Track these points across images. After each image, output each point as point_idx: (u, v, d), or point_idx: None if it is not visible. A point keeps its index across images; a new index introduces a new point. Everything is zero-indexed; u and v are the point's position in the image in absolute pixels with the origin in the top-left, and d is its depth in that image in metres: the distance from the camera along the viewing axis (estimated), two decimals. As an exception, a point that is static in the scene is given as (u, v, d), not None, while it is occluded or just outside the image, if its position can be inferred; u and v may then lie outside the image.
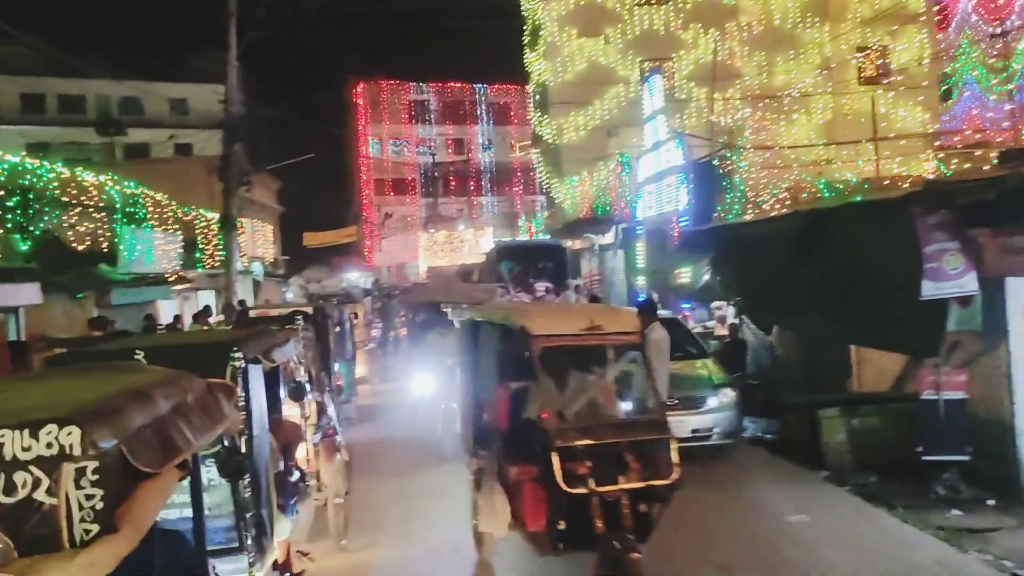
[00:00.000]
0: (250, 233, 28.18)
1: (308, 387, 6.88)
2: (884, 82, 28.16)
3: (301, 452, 6.19)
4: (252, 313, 12.95)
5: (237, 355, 3.83)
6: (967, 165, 21.14)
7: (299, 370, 6.41)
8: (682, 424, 8.85)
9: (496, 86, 60.03)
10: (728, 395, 9.31)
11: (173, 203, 20.35)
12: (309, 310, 12.64)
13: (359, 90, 58.00)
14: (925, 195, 7.79)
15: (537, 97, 33.33)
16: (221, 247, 21.52)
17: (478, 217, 58.72)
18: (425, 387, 12.99)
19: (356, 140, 59.37)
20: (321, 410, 7.10)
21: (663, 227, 21.10)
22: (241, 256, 27.88)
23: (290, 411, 6.24)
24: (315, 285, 28.07)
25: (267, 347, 4.60)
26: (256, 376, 4.32)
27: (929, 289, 7.78)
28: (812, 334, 10.59)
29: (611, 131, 28.66)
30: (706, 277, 13.38)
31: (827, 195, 18.72)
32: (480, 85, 60.25)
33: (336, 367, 14.37)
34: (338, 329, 14.72)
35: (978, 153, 21.84)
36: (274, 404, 5.40)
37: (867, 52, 28.36)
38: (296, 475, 5.60)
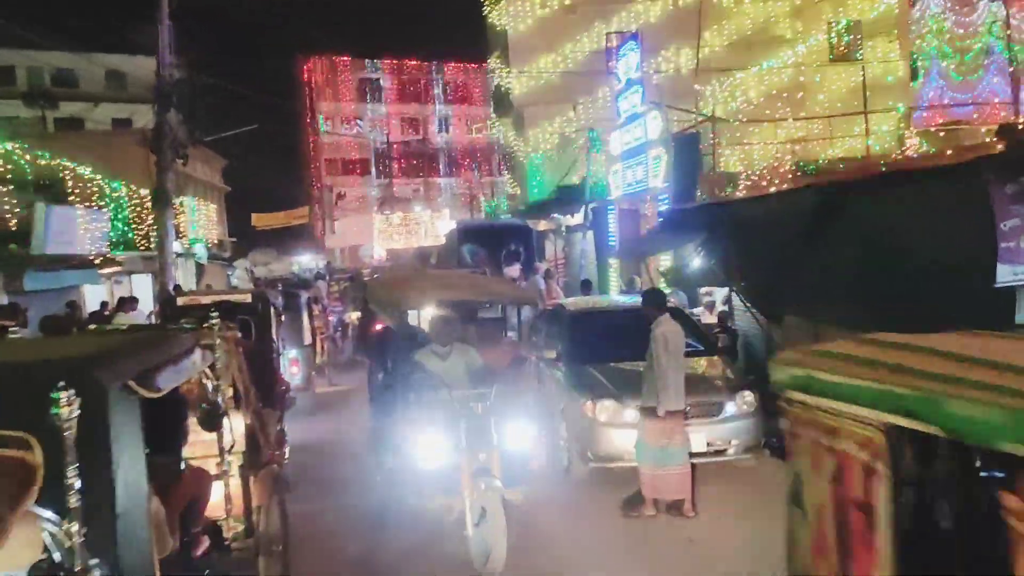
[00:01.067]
0: (190, 212, 26.00)
1: (238, 402, 5.20)
2: (856, 57, 27.00)
3: (218, 493, 4.50)
4: (181, 301, 11.01)
5: (62, 393, 2.11)
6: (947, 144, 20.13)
7: (221, 383, 4.70)
8: (694, 436, 7.34)
9: (453, 64, 58.04)
10: (748, 400, 7.77)
11: (99, 177, 18.23)
12: (247, 298, 10.79)
13: (309, 67, 55.50)
14: (1007, 159, 6.32)
15: (497, 53, 31.28)
16: (156, 227, 19.44)
17: (435, 199, 56.80)
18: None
19: (306, 119, 56.91)
20: (255, 431, 5.40)
21: (637, 206, 19.64)
22: (180, 237, 25.76)
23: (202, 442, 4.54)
24: (262, 268, 26.11)
25: (145, 366, 2.89)
26: (125, 418, 2.64)
27: (1006, 274, 6.35)
28: (834, 323, 9.14)
29: (575, 105, 27.09)
30: (697, 261, 11.89)
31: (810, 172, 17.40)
32: (436, 63, 58.17)
33: (294, 353, 12.72)
34: (291, 316, 12.99)
35: (962, 130, 20.76)
36: (169, 442, 3.73)
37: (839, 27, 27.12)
38: (204, 544, 3.93)
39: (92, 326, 14.46)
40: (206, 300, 10.98)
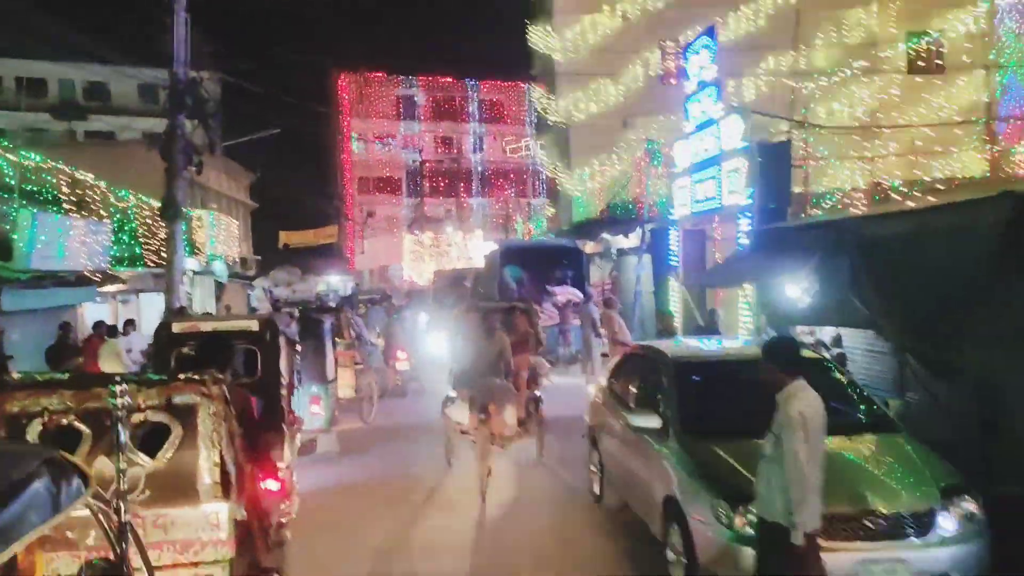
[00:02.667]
0: (209, 226, 23.94)
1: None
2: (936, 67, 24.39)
3: None
4: (177, 327, 8.70)
5: None
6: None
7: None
8: (885, 568, 4.79)
9: (489, 82, 56.09)
10: (968, 509, 5.04)
11: (102, 184, 16.14)
12: (253, 325, 8.51)
13: (343, 82, 53.81)
14: None
15: (542, 74, 28.96)
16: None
17: (467, 219, 54.62)
18: None
19: (338, 135, 55.18)
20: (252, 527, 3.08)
21: (704, 227, 17.20)
22: (197, 253, 23.71)
23: None
24: (283, 289, 23.95)
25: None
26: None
27: None
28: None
29: (627, 120, 24.73)
30: (804, 292, 9.45)
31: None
32: (472, 80, 56.25)
33: (315, 390, 10.71)
34: (312, 345, 10.82)
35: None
36: None
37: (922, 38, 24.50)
38: None
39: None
40: (206, 327, 8.70)
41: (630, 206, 20.32)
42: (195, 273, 25.15)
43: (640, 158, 19.61)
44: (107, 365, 12.15)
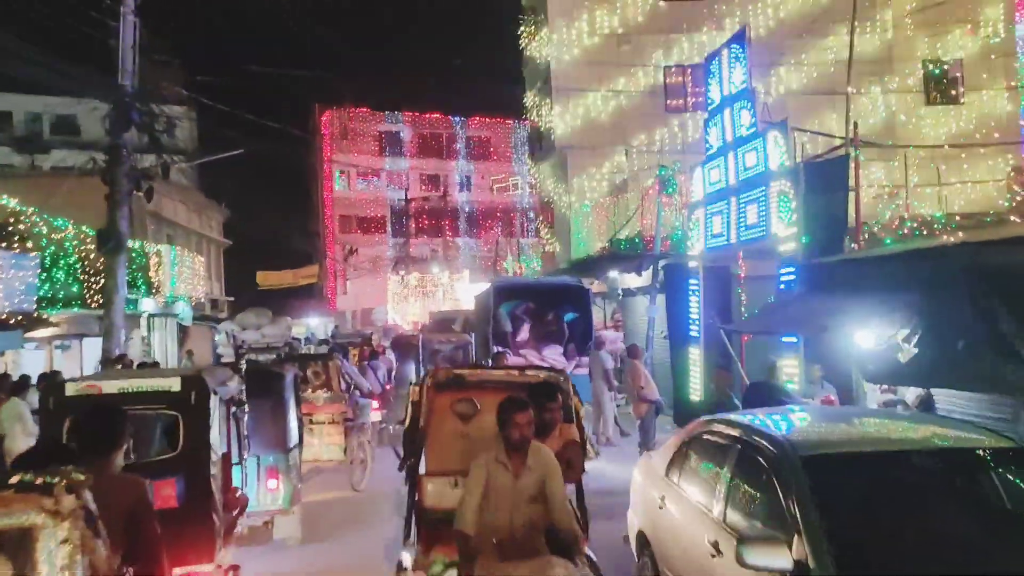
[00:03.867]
0: (170, 264, 21.53)
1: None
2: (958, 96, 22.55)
3: None
4: (72, 389, 6.28)
5: None
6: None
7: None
8: None
9: (478, 118, 54.35)
10: None
11: (31, 210, 13.79)
12: (174, 384, 6.22)
13: (325, 117, 51.87)
14: None
15: (537, 88, 26.70)
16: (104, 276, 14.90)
17: (454, 260, 52.43)
18: None
19: (320, 171, 53.12)
20: None
21: (729, 263, 14.97)
22: (154, 293, 21.26)
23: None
24: (251, 332, 21.57)
25: None
26: None
27: None
28: None
29: (628, 150, 22.69)
30: (908, 346, 7.18)
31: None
32: (458, 117, 54.48)
33: (271, 460, 8.57)
34: (270, 405, 8.63)
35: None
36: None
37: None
38: None
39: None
40: (110, 387, 6.34)
41: (636, 240, 18.12)
42: (152, 315, 22.72)
43: (650, 187, 17.50)
44: (8, 431, 9.68)
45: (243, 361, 10.58)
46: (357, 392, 12.59)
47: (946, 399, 8.50)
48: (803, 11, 20.42)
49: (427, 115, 53.85)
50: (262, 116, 19.50)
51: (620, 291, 19.03)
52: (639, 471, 6.52)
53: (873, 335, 7.54)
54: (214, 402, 6.21)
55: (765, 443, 4.41)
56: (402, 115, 53.66)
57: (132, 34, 14.33)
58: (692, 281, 15.10)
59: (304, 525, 8.90)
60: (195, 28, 53.71)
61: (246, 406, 8.35)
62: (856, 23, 20.49)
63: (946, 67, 21.93)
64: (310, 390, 11.59)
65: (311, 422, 11.16)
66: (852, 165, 10.95)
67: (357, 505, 10.59)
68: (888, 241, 10.12)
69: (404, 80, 74.56)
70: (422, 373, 12.37)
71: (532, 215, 55.23)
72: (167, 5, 14.73)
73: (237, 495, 7.34)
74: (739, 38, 12.88)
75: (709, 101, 14.18)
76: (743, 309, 14.92)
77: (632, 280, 17.96)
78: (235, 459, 7.33)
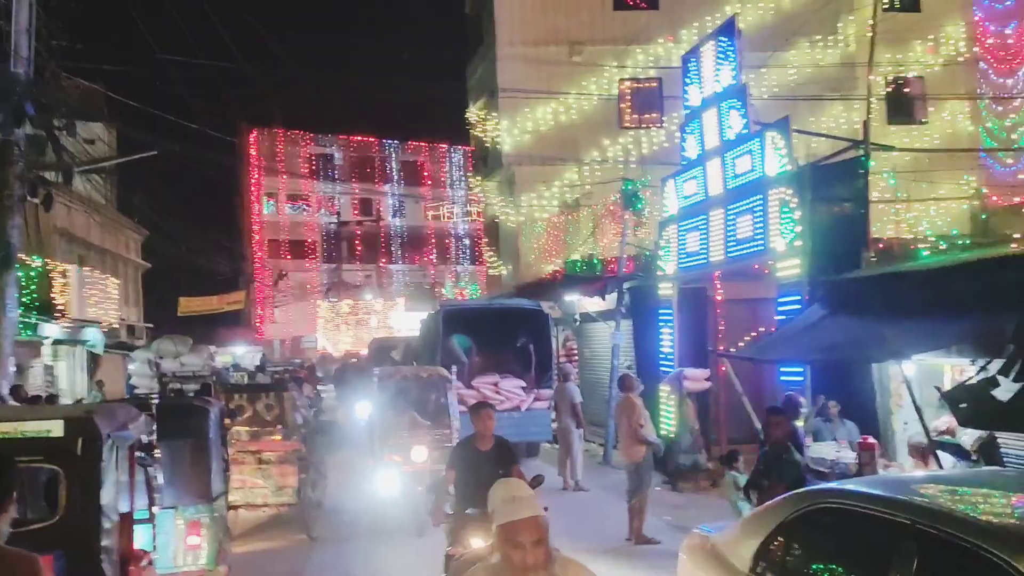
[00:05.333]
0: (77, 285, 19.00)
1: None
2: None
3: None
4: None
5: None
6: None
7: None
8: None
9: (411, 143, 52.51)
10: None
11: None
12: (54, 428, 4.65)
13: (253, 138, 49.27)
14: None
15: (483, 102, 24.93)
16: None
17: (388, 287, 50.20)
18: None
19: (248, 194, 50.39)
20: None
21: (704, 285, 13.51)
22: (59, 317, 18.71)
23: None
24: (169, 361, 19.29)
25: None
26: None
27: None
28: None
29: (580, 166, 21.23)
30: (1007, 380, 5.66)
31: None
32: (393, 141, 52.53)
33: (191, 513, 6.97)
34: (191, 446, 6.99)
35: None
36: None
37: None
38: None
39: None
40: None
41: (596, 262, 16.56)
42: (58, 342, 20.05)
43: (612, 203, 16.01)
44: None
45: (168, 391, 8.94)
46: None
47: (1017, 445, 7.06)
48: (763, 23, 19.37)
49: (359, 138, 51.78)
50: (185, 132, 17.35)
51: (577, 316, 17.39)
52: (692, 559, 4.74)
53: (947, 366, 6.05)
54: (109, 450, 4.75)
55: (994, 545, 2.69)
56: (335, 139, 51.48)
57: (28, 14, 12.12)
58: (664, 307, 13.57)
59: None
60: (120, 41, 50.69)
61: (156, 452, 7.04)
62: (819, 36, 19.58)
63: (901, 83, 21.22)
64: (258, 427, 10.47)
65: (260, 461, 10.08)
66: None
67: (306, 556, 8.76)
68: (922, 253, 8.71)
69: (338, 101, 72.27)
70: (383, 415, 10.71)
71: (467, 241, 53.56)
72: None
73: (144, 564, 5.67)
74: (727, 31, 11.48)
75: (686, 105, 12.77)
76: (720, 336, 13.48)
77: (592, 304, 16.35)
78: (143, 513, 6.01)
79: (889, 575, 3.11)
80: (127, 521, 5.43)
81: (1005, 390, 5.75)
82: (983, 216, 17.54)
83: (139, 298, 33.30)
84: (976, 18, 19.54)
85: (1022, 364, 5.70)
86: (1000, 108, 19.50)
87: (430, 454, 9.74)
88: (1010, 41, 19.10)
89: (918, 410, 5.97)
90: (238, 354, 40.87)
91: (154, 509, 6.42)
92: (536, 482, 5.65)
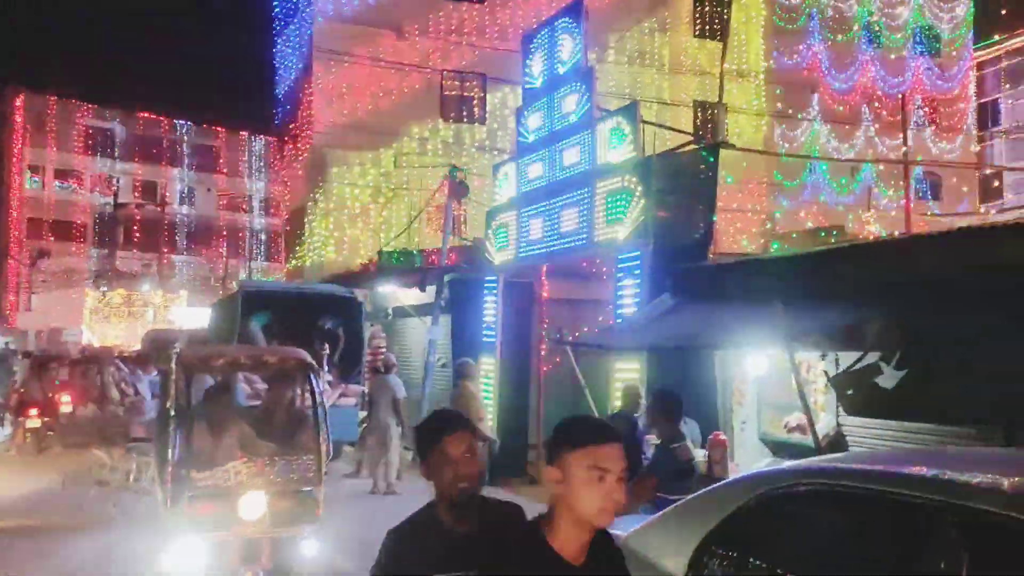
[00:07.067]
0: None
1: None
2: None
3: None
4: None
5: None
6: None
7: None
8: None
9: (207, 126, 48.56)
10: None
11: None
12: None
13: (18, 102, 43.32)
14: None
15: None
16: None
17: (169, 278, 45.78)
18: None
19: (8, 166, 44.17)
20: None
21: (531, 277, 12.79)
22: None
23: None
24: None
25: None
26: None
27: None
28: None
29: (397, 157, 20.01)
30: (889, 367, 5.26)
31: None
32: (184, 122, 48.30)
33: None
34: None
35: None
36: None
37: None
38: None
39: None
40: None
41: (415, 253, 15.43)
42: None
43: (435, 191, 14.94)
44: None
45: None
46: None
47: (861, 435, 6.76)
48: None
49: (146, 114, 47.10)
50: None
51: (391, 310, 16.12)
52: None
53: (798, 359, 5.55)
54: None
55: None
56: (116, 111, 46.45)
57: None
58: (489, 298, 12.70)
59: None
60: None
61: None
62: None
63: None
64: None
65: None
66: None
67: None
68: (776, 245, 8.41)
69: (125, 70, 65.79)
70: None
71: (264, 236, 50.22)
72: None
73: None
74: (574, 10, 10.82)
75: (528, 83, 11.99)
76: (544, 334, 12.82)
77: (408, 297, 15.16)
78: None
79: (918, 570, 2.32)
80: None
81: (888, 378, 5.37)
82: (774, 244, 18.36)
83: None
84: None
85: (902, 354, 5.35)
86: (792, 133, 20.70)
87: (273, 508, 5.67)
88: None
89: (804, 399, 5.41)
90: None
91: None
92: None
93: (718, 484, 3.58)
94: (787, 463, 4.14)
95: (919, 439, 5.91)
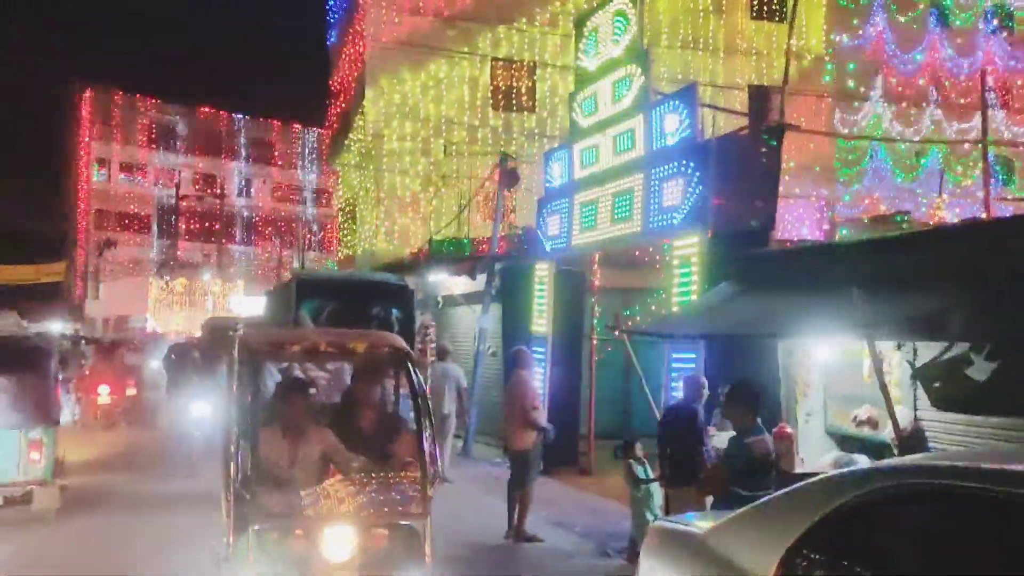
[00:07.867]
0: None
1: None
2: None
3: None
4: None
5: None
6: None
7: None
8: None
9: (263, 119, 49.14)
10: None
11: None
12: None
13: (85, 97, 44.34)
14: None
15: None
16: None
17: (227, 267, 46.51)
18: None
19: (76, 159, 45.31)
20: None
21: (585, 267, 12.42)
22: None
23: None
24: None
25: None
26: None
27: None
28: None
29: (447, 147, 19.78)
30: (979, 359, 4.79)
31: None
32: (241, 115, 48.94)
33: (34, 435, 7.97)
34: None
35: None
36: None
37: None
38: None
39: None
40: None
41: (465, 241, 15.18)
42: None
43: (485, 178, 14.65)
44: None
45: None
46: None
47: (939, 430, 6.26)
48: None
49: (207, 108, 47.86)
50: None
51: (440, 298, 15.90)
52: (671, 563, 3.43)
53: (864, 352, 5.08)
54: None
55: None
56: (177, 106, 47.28)
57: None
58: (540, 287, 12.36)
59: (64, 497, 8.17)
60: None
61: None
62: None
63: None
64: None
65: None
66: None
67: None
68: (843, 231, 7.93)
69: (188, 68, 66.97)
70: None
71: (317, 227, 50.67)
72: None
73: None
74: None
75: (578, 73, 11.59)
76: (595, 323, 12.45)
77: (458, 286, 14.93)
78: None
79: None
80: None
81: (979, 370, 4.89)
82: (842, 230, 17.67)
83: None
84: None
85: (993, 345, 4.87)
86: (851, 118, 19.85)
87: (365, 547, 4.35)
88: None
89: (885, 391, 4.98)
90: (53, 330, 36.27)
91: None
92: None
93: (805, 483, 3.21)
94: (887, 461, 3.74)
95: (1010, 436, 5.41)
